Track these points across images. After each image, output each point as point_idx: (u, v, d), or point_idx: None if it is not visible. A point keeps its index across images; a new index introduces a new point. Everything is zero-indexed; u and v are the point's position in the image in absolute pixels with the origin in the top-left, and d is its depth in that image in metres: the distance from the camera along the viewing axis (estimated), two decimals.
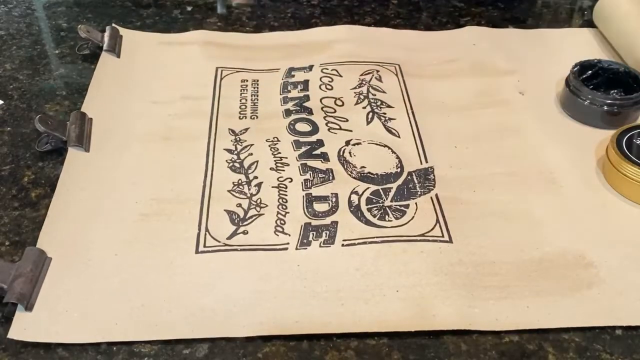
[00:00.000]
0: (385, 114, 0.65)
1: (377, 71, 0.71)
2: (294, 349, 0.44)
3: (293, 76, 0.70)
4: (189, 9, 0.83)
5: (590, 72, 0.66)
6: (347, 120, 0.64)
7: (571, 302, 0.47)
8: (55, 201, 0.54)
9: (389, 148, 0.60)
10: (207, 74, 0.70)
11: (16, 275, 0.46)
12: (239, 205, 0.54)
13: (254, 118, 0.64)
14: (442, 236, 0.52)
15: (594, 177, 0.58)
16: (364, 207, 0.54)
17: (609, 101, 0.62)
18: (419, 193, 0.55)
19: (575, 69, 0.65)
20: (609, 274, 0.49)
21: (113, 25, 0.76)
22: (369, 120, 0.64)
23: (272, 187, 0.56)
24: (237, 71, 0.71)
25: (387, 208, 0.54)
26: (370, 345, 0.45)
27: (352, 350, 0.44)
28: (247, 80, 0.69)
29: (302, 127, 0.63)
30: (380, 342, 0.45)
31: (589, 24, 0.80)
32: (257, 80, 0.70)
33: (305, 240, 0.51)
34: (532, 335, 0.45)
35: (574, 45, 0.76)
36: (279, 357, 0.44)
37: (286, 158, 0.59)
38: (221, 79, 0.70)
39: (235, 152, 0.60)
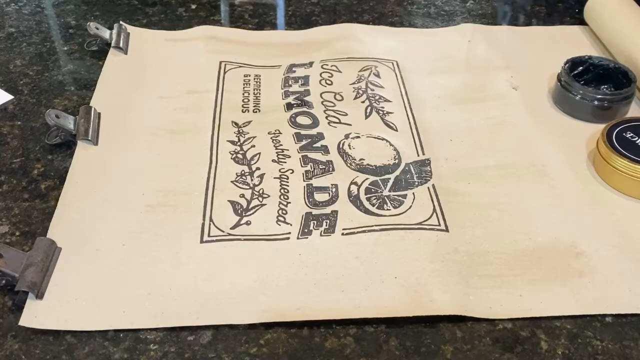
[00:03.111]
0: (383, 108, 0.65)
1: (375, 67, 0.71)
2: (294, 336, 0.45)
3: (294, 72, 0.70)
4: (194, 7, 0.83)
5: (581, 68, 0.67)
6: (346, 114, 0.64)
7: (563, 290, 0.48)
8: (64, 193, 0.55)
9: (387, 141, 0.61)
10: (211, 67, 0.71)
11: (27, 265, 0.47)
12: (242, 195, 0.55)
13: (256, 111, 0.65)
14: (439, 225, 0.52)
15: (584, 169, 0.59)
16: (363, 197, 0.55)
17: (599, 96, 0.63)
18: (416, 183, 0.56)
19: (567, 65, 0.66)
20: (599, 263, 0.50)
21: (120, 22, 0.77)
22: (368, 114, 0.64)
23: (274, 178, 0.56)
24: (240, 66, 0.71)
25: (385, 197, 0.54)
26: (369, 332, 0.45)
27: (351, 337, 0.45)
28: (249, 75, 0.70)
29: (303, 120, 0.64)
30: (379, 329, 0.45)
31: (580, 21, 0.81)
32: (259, 75, 0.70)
33: (306, 230, 0.52)
34: (525, 322, 0.46)
35: (565, 42, 0.77)
36: (280, 343, 0.44)
37: (288, 150, 0.60)
38: (224, 72, 0.70)
39: (239, 143, 0.60)
